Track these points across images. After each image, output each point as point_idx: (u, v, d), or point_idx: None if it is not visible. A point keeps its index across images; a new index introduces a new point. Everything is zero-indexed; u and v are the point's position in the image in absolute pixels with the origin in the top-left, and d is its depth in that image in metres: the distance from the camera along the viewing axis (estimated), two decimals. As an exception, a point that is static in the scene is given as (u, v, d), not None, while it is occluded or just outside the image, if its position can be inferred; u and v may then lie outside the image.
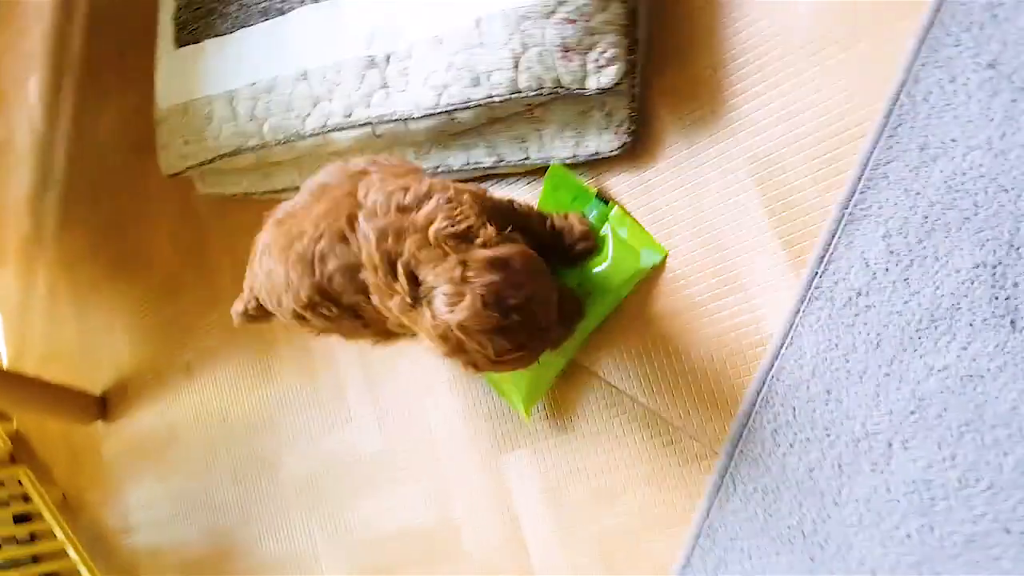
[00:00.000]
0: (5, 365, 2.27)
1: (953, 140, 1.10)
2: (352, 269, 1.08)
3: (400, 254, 1.01)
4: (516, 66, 1.29)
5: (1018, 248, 1.05)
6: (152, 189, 1.98)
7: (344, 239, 1.07)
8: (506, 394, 1.43)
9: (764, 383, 1.22)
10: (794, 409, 1.20)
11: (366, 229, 1.03)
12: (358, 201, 1.07)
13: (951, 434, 1.08)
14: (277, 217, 1.21)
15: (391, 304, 1.03)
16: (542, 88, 1.28)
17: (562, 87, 1.28)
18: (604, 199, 1.36)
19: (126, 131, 2.02)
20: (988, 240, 1.07)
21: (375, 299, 1.06)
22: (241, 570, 1.87)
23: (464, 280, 0.96)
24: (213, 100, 1.64)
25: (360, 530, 1.67)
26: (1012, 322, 1.05)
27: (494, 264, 0.98)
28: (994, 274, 1.06)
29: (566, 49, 1.26)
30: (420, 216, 1.02)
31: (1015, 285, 1.05)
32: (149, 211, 2.01)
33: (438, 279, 0.98)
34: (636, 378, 1.35)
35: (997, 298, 1.06)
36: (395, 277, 1.00)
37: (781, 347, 1.22)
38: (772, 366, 1.22)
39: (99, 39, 2.17)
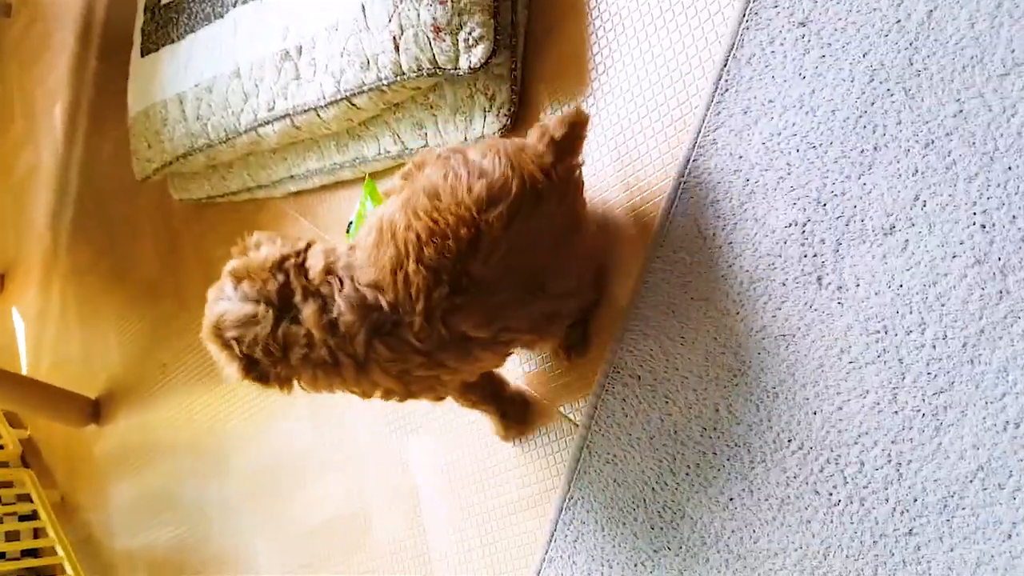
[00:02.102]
0: (25, 371, 2.49)
1: (771, 101, 1.10)
2: None
3: None
4: (396, 48, 1.36)
5: (824, 204, 1.03)
6: (141, 200, 2.16)
7: None
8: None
9: (615, 353, 1.23)
10: (639, 378, 1.20)
11: None
12: None
13: (767, 395, 1.06)
14: None
15: None
16: (422, 69, 1.35)
17: (439, 68, 1.34)
18: None
19: (124, 148, 2.20)
20: (799, 199, 1.06)
21: None
22: (196, 567, 1.98)
23: None
24: (167, 103, 1.79)
25: (294, 523, 1.75)
26: (819, 279, 1.03)
27: None
28: (803, 232, 1.05)
29: (437, 29, 1.33)
30: None
31: (822, 242, 1.03)
32: (138, 221, 2.19)
33: None
34: (512, 358, 1.38)
35: (806, 256, 1.05)
36: None
37: (629, 316, 1.23)
38: (623, 336, 1.23)
39: (110, 63, 2.38)
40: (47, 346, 2.45)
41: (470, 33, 1.31)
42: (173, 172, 1.90)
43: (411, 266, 0.95)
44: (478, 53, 1.30)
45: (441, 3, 1.31)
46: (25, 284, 2.59)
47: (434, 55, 1.33)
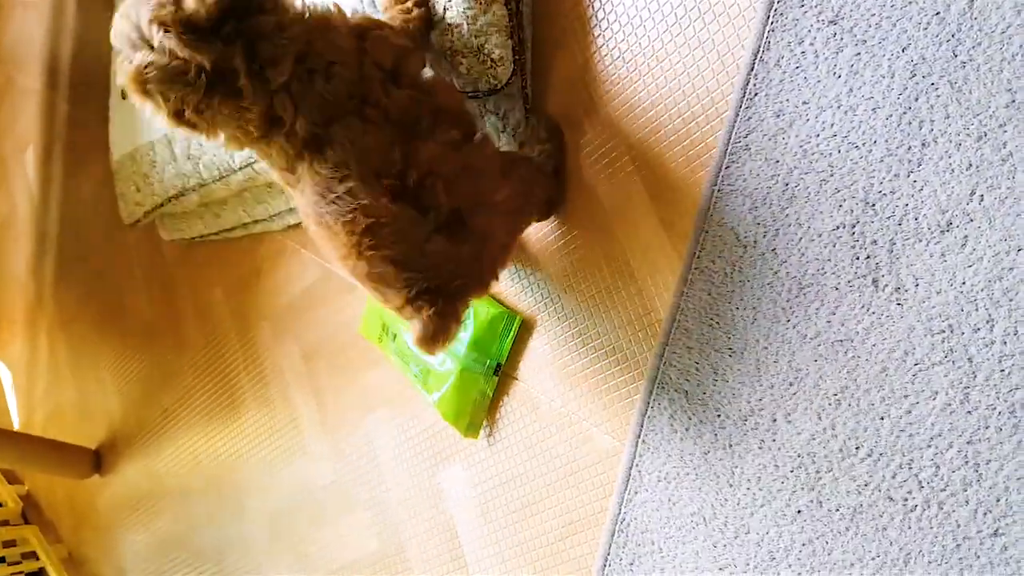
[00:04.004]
0: (16, 427, 2.40)
1: (805, 103, 1.08)
2: None
3: None
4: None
5: (873, 205, 1.01)
6: (129, 242, 2.09)
7: None
8: (451, 421, 1.44)
9: (658, 369, 1.21)
10: (686, 393, 1.17)
11: None
12: None
13: (829, 403, 1.04)
14: None
15: None
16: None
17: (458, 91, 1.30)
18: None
19: (105, 189, 2.13)
20: (845, 200, 1.04)
21: None
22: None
23: None
24: (154, 144, 1.73)
25: (320, 563, 1.70)
26: (874, 281, 1.01)
27: None
28: (853, 234, 1.03)
29: (455, 52, 1.29)
30: None
31: (874, 243, 1.01)
32: (126, 264, 2.12)
33: None
34: (551, 380, 1.35)
35: (858, 258, 1.02)
36: None
37: (670, 331, 1.20)
38: (663, 352, 1.20)
39: (81, 105, 2.31)
40: (40, 398, 2.37)
41: (489, 55, 1.27)
42: (164, 213, 1.84)
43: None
44: (498, 74, 1.26)
45: (456, 26, 1.27)
46: (10, 336, 2.50)
47: (453, 79, 1.29)
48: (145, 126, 1.74)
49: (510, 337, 1.35)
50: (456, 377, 1.40)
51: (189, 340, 1.93)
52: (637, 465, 1.22)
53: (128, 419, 2.13)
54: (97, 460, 2.18)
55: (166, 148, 1.70)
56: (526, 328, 1.35)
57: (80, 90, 2.29)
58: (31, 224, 2.38)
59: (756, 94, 1.12)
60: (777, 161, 1.09)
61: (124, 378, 2.13)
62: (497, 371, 1.37)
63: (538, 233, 1.34)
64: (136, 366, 2.10)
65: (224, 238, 1.85)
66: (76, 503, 2.27)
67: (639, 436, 1.22)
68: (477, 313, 1.37)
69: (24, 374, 2.43)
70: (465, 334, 1.39)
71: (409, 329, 1.02)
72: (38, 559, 2.21)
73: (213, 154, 1.61)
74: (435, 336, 1.00)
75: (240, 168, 1.60)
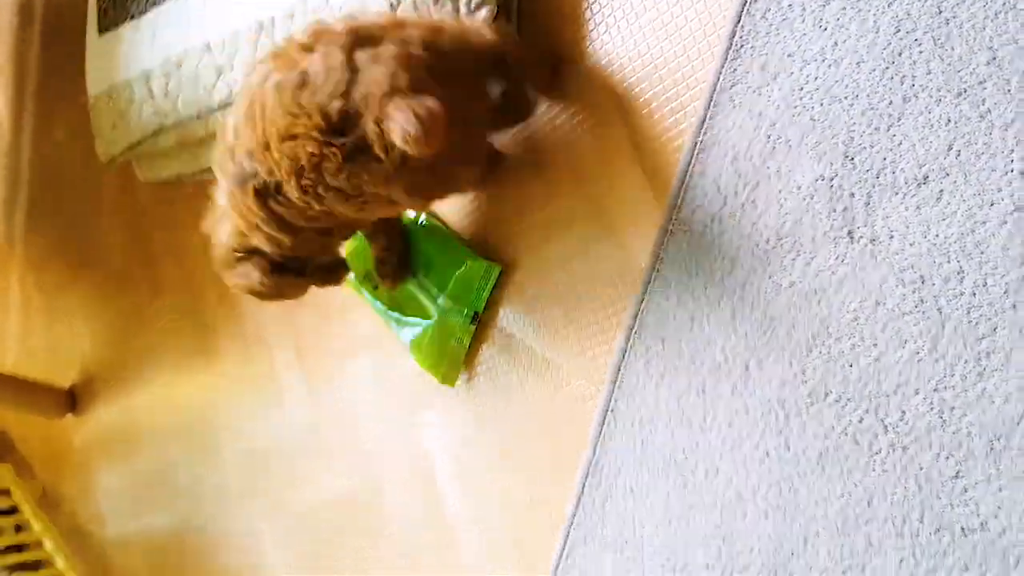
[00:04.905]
0: (-11, 365, 2.38)
1: (790, 55, 1.09)
2: None
3: None
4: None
5: (852, 158, 1.03)
6: (103, 184, 2.06)
7: None
8: (429, 369, 1.46)
9: (636, 317, 1.23)
10: (662, 340, 1.20)
11: None
12: None
13: (800, 350, 1.07)
14: None
15: None
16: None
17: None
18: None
19: (79, 130, 2.09)
20: (825, 153, 1.06)
21: None
22: (196, 552, 1.94)
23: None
24: (132, 82, 1.70)
25: (297, 503, 1.72)
26: (850, 233, 1.03)
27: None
28: (831, 186, 1.05)
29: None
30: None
31: (851, 195, 1.03)
32: (100, 206, 2.09)
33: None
34: (530, 327, 1.36)
35: (835, 210, 1.05)
36: None
37: (649, 280, 1.22)
38: (643, 299, 1.22)
39: (55, 43, 2.26)
40: (12, 339, 2.35)
41: (473, -1, 1.26)
42: (140, 152, 1.81)
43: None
44: (481, 15, 1.26)
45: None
46: (-21, 279, 2.47)
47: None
48: (123, 63, 1.71)
49: (488, 287, 1.37)
50: (434, 326, 1.41)
51: (165, 283, 1.92)
52: (612, 410, 1.25)
53: (103, 361, 2.12)
54: (71, 400, 2.17)
55: (144, 86, 1.67)
56: (507, 276, 1.37)
57: (55, 27, 2.24)
58: (2, 168, 2.34)
59: (742, 46, 1.13)
60: (760, 113, 1.11)
61: (98, 321, 2.11)
62: (475, 320, 1.39)
63: (522, 181, 1.34)
64: (111, 309, 2.09)
65: (201, 179, 1.83)
66: (51, 442, 2.27)
67: (615, 382, 1.24)
68: (456, 263, 1.39)
69: (-6, 313, 2.41)
70: (441, 290, 1.41)
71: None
72: (11, 496, 2.21)
73: (191, 92, 1.59)
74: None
75: (219, 107, 1.58)
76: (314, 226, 1.13)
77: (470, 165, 1.24)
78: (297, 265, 1.23)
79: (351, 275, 1.47)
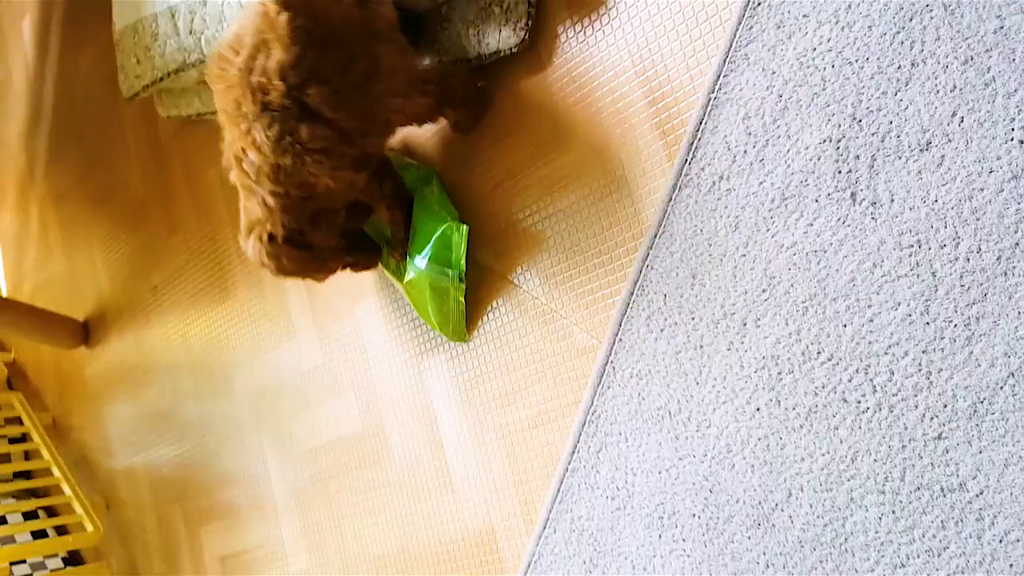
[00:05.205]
0: (4, 294, 2.43)
1: (805, 15, 1.10)
2: None
3: None
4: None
5: (859, 120, 1.04)
6: (125, 118, 2.09)
7: None
8: (439, 329, 1.49)
9: (640, 272, 1.25)
10: (664, 295, 1.22)
11: None
12: None
13: (797, 309, 1.09)
14: None
15: None
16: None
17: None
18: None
19: (104, 63, 2.12)
20: (834, 115, 1.07)
21: None
22: (202, 483, 2.00)
23: None
24: (158, 16, 1.72)
25: (303, 440, 1.77)
26: (852, 195, 1.05)
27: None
28: (838, 148, 1.06)
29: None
30: None
31: (856, 158, 1.05)
32: (121, 141, 2.12)
33: None
34: (536, 279, 1.39)
35: (840, 172, 1.06)
36: None
37: (655, 235, 1.24)
38: (648, 254, 1.24)
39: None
40: (28, 270, 2.39)
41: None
42: (162, 88, 1.84)
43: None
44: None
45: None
46: (0, 207, 2.52)
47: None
48: (149, -2, 1.73)
49: (463, 245, 1.39)
50: (430, 291, 1.44)
51: (182, 220, 1.96)
52: (612, 362, 1.28)
53: (118, 295, 2.17)
54: (85, 332, 2.22)
55: (169, 21, 1.69)
56: (515, 227, 1.39)
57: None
58: (26, 97, 2.37)
59: (760, 3, 1.13)
60: (774, 72, 1.12)
61: (115, 255, 2.16)
62: (462, 279, 1.42)
63: (533, 133, 1.36)
64: (128, 244, 2.13)
65: (222, 119, 1.85)
66: (63, 373, 2.32)
67: (616, 335, 1.27)
68: (428, 230, 1.41)
69: (13, 246, 2.45)
70: (423, 255, 1.43)
71: None
72: (22, 424, 2.26)
73: (216, 30, 1.61)
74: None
75: (243, 47, 1.59)
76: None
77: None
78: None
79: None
